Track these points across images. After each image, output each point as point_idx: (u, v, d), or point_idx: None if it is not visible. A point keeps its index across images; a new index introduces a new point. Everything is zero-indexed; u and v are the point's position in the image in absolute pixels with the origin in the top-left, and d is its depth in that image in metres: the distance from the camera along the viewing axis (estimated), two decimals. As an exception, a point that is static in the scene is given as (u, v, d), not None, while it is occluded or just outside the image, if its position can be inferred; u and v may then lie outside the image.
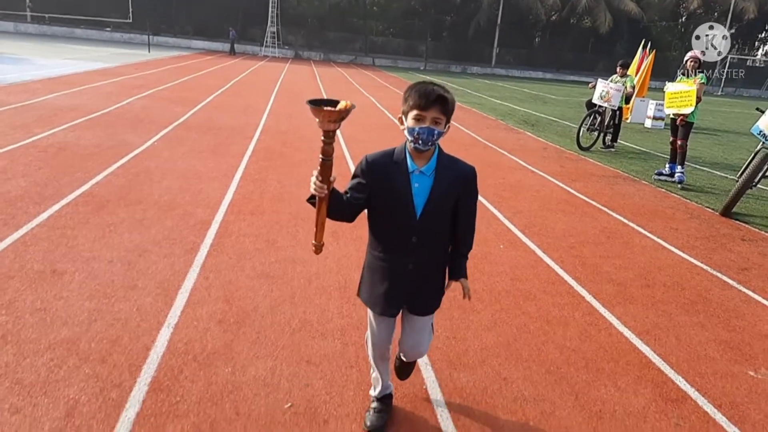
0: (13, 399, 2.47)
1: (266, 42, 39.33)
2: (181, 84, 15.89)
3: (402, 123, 2.14)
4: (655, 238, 5.62)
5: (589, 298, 4.10)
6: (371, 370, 2.60)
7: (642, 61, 15.88)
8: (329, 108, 1.92)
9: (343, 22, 46.38)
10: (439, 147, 2.16)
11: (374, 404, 2.56)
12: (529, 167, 8.55)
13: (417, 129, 2.04)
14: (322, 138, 1.97)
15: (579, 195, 7.10)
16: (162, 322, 3.21)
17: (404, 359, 2.59)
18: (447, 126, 2.10)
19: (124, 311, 3.29)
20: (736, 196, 6.56)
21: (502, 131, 12.30)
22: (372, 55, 44.55)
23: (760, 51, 53.98)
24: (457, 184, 2.19)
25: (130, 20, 35.85)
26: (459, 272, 2.32)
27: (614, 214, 6.34)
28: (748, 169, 6.53)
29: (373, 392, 2.59)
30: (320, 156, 2.00)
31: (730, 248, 5.53)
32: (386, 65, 41.93)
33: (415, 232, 2.17)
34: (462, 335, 3.39)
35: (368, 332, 2.48)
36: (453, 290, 2.39)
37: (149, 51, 29.52)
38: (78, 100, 10.90)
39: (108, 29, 39.73)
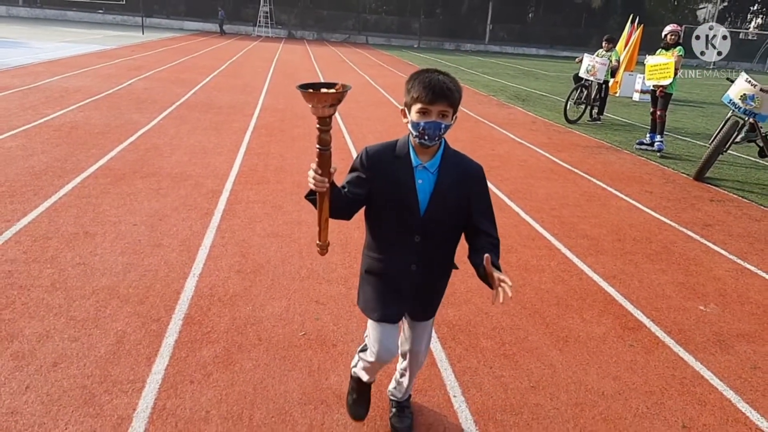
0: (71, 331, 2.94)
1: (259, 21, 39.32)
2: (179, 65, 16.17)
3: (405, 116, 1.95)
4: (630, 200, 6.09)
5: (564, 250, 4.58)
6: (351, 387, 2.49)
7: (630, 36, 16.23)
8: (324, 90, 1.72)
9: (336, -1, 46.32)
10: (444, 141, 1.98)
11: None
12: (518, 139, 8.98)
13: (422, 124, 1.86)
14: (318, 126, 1.77)
15: (563, 164, 7.55)
16: (188, 272, 3.68)
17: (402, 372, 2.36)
18: (454, 118, 1.92)
19: (153, 264, 3.75)
20: (707, 161, 7.03)
21: (494, 106, 12.70)
22: (365, 33, 44.56)
23: (752, 24, 54.10)
24: (464, 182, 2.01)
25: (123, 1, 35.80)
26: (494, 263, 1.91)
27: (595, 180, 6.81)
28: (719, 136, 6.99)
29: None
30: (317, 146, 1.78)
31: (698, 208, 6.01)
32: (380, 44, 41.98)
33: (418, 231, 2.01)
34: (449, 281, 3.85)
35: (367, 348, 2.28)
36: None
37: (143, 33, 29.62)
38: (81, 82, 11.23)
39: (101, 11, 39.61)
